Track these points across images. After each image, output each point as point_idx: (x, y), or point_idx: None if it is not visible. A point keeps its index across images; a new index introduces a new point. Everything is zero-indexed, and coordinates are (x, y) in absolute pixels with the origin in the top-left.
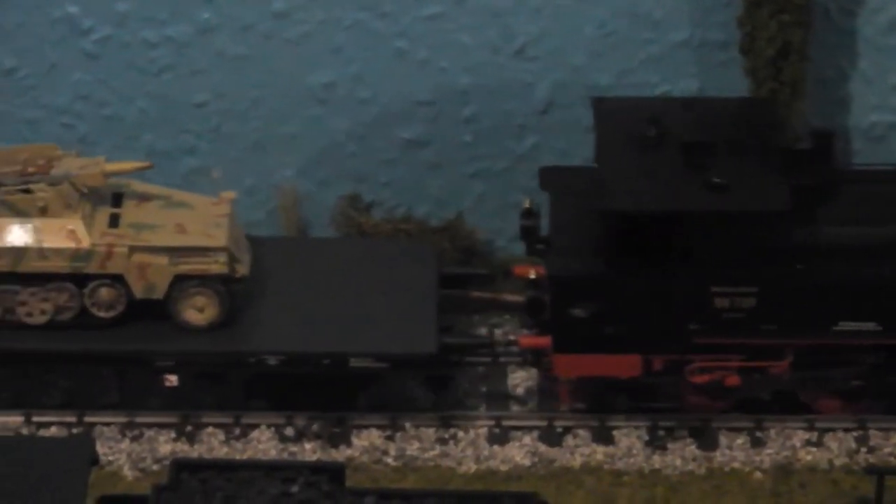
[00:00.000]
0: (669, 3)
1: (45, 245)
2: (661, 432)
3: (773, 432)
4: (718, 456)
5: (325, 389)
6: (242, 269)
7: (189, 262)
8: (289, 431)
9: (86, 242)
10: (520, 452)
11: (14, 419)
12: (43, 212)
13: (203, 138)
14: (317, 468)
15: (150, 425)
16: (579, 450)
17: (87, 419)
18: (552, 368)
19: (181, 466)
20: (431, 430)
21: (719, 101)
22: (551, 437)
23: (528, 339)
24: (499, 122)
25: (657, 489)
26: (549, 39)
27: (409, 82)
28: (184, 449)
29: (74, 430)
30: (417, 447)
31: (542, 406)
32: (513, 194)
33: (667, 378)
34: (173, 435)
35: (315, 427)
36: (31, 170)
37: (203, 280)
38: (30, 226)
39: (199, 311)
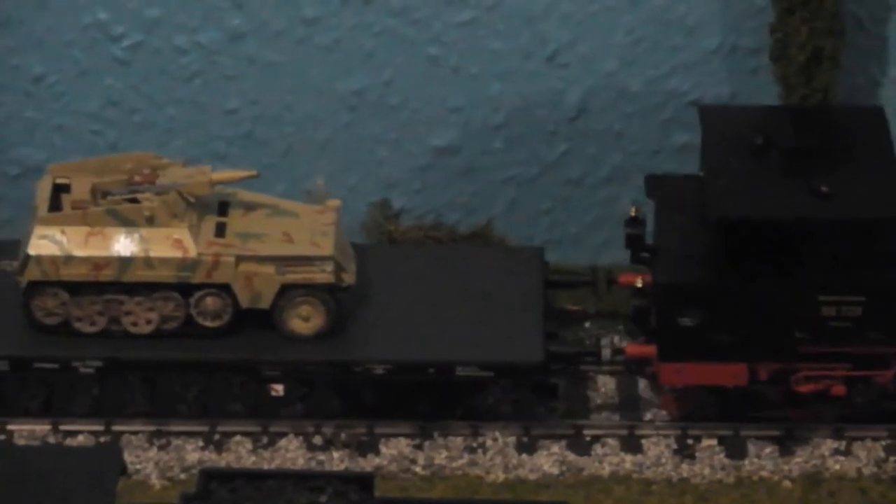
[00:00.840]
0: (701, 10)
1: (152, 254)
2: (690, 441)
3: (802, 441)
4: (747, 464)
5: (426, 398)
6: (348, 278)
7: (296, 271)
8: (317, 440)
9: (192, 252)
10: (548, 461)
11: (41, 427)
12: (150, 221)
13: (234, 145)
14: (346, 478)
15: (177, 434)
16: (608, 458)
17: (115, 427)
18: (657, 377)
19: (210, 476)
20: (460, 439)
21: (827, 109)
22: (580, 446)
23: (634, 347)
24: (529, 129)
25: (686, 498)
26: (581, 46)
27: (440, 89)
28: (211, 457)
29: (102, 439)
30: (446, 456)
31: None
32: (543, 201)
33: (770, 387)
34: (201, 443)
35: (343, 436)
36: (136, 179)
37: (309, 289)
38: (136, 235)
39: (304, 320)
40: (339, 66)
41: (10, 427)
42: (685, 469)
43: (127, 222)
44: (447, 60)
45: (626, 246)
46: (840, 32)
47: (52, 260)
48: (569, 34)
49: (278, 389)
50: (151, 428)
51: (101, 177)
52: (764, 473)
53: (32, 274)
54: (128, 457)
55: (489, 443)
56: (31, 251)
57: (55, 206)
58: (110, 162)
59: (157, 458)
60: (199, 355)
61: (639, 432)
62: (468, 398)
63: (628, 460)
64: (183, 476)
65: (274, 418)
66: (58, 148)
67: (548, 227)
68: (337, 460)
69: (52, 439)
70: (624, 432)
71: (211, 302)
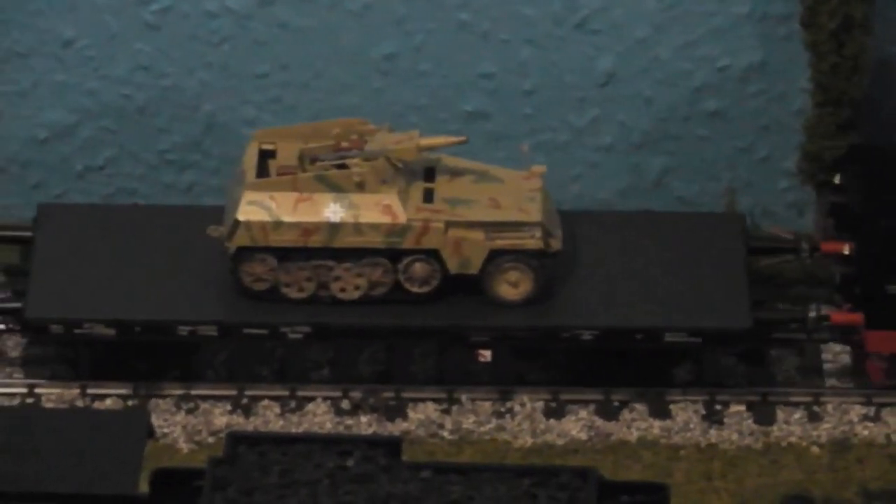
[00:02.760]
0: None
1: (361, 220)
2: (718, 406)
3: (830, 407)
4: (775, 430)
5: (637, 365)
6: (556, 244)
7: (504, 237)
8: (345, 404)
9: (402, 218)
10: (576, 426)
11: (70, 391)
12: (359, 187)
13: (264, 110)
14: (373, 442)
15: (205, 398)
16: (636, 424)
17: (142, 391)
18: (864, 345)
19: (237, 439)
20: (488, 404)
21: None
22: (608, 411)
23: (839, 315)
24: (559, 95)
25: (714, 463)
26: (612, 12)
27: (470, 54)
28: (239, 422)
29: (129, 403)
30: (473, 420)
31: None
32: (573, 167)
33: None
34: (229, 407)
35: (371, 400)
36: (344, 145)
37: (518, 255)
38: (346, 201)
39: (513, 286)
40: (369, 31)
41: (37, 390)
42: (713, 435)
43: (336, 188)
44: (478, 26)
45: (830, 214)
46: None
47: (262, 226)
48: (600, 0)
49: (486, 355)
50: (179, 392)
51: (307, 142)
52: (792, 439)
53: (241, 240)
54: (155, 420)
55: (517, 408)
56: (241, 217)
57: (262, 171)
58: (317, 127)
59: (184, 421)
60: (408, 321)
61: (667, 398)
62: (671, 365)
63: (656, 426)
64: (211, 440)
65: (302, 382)
66: (87, 112)
67: (578, 194)
68: (365, 425)
69: (80, 403)
70: (652, 397)
71: (419, 268)
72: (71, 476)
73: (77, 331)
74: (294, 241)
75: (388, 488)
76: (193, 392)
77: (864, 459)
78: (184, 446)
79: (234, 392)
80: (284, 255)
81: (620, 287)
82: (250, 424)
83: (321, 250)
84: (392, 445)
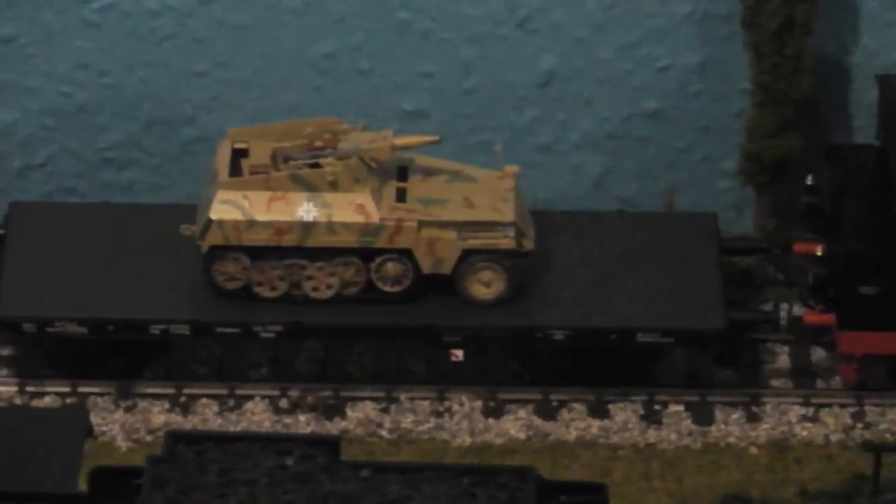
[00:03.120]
0: None
1: (335, 219)
2: (657, 406)
3: (769, 407)
4: (714, 430)
5: (603, 365)
6: (529, 244)
7: (477, 236)
8: (283, 403)
9: (375, 217)
10: (515, 426)
11: (7, 389)
12: (332, 186)
13: (203, 108)
14: (313, 441)
15: (143, 396)
16: (574, 423)
17: (81, 389)
18: (836, 345)
19: (176, 438)
20: (426, 403)
21: None
22: (546, 411)
23: (812, 315)
24: (500, 94)
25: (653, 463)
26: (552, 12)
27: (410, 53)
28: (177, 420)
29: (68, 401)
30: (412, 420)
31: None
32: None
33: None
34: (167, 406)
35: (309, 399)
36: (318, 144)
37: (491, 255)
38: (319, 200)
39: (485, 285)
40: (309, 29)
41: None
42: (652, 435)
43: (310, 187)
44: (418, 25)
45: (804, 214)
46: None
47: (235, 225)
48: (540, 0)
49: (458, 355)
50: (117, 389)
51: (280, 141)
52: (731, 440)
53: (214, 238)
54: (94, 419)
55: (455, 407)
56: (214, 216)
57: (235, 170)
58: (290, 127)
59: (123, 420)
60: (380, 320)
61: (606, 398)
62: (644, 365)
63: (595, 426)
64: (149, 438)
65: (240, 381)
66: (27, 110)
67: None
68: (303, 423)
69: (18, 400)
70: (591, 397)
71: (392, 267)
72: (9, 474)
73: (49, 329)
74: (267, 240)
75: (328, 487)
76: (132, 390)
77: (802, 460)
78: (122, 444)
79: (172, 390)
80: (257, 254)
81: (593, 287)
82: (189, 423)
83: (294, 249)
84: (331, 445)
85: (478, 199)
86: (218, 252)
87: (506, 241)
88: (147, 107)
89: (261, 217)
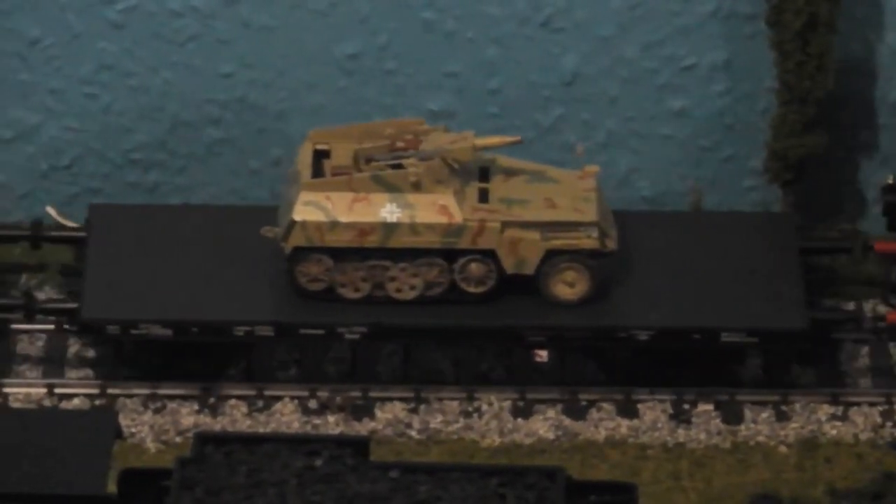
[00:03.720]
0: None
1: (418, 220)
2: (686, 406)
3: (798, 406)
4: (743, 430)
5: (692, 365)
6: (611, 244)
7: (560, 237)
8: (312, 404)
9: (458, 218)
10: (544, 426)
11: (37, 391)
12: (415, 187)
13: (228, 108)
14: (341, 442)
15: (172, 397)
16: (603, 423)
17: (110, 391)
18: None
19: (205, 439)
20: (455, 403)
21: None
22: (575, 411)
23: (895, 314)
24: (524, 94)
25: (681, 463)
26: (577, 11)
27: (435, 53)
28: (206, 421)
29: (97, 403)
30: (441, 420)
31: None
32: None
33: None
34: (196, 407)
35: (338, 400)
36: (399, 145)
37: (573, 255)
38: (402, 201)
39: (569, 286)
40: (333, 30)
41: (5, 390)
42: (681, 434)
43: (392, 188)
44: (442, 25)
45: (884, 213)
46: None
47: (318, 226)
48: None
49: (542, 355)
50: (146, 391)
51: (361, 142)
52: (760, 439)
53: (297, 240)
54: (123, 420)
55: (484, 407)
56: (297, 217)
57: (317, 172)
58: (372, 128)
59: (152, 421)
60: (464, 321)
61: (635, 397)
62: (727, 365)
63: (624, 425)
64: (178, 440)
65: (269, 382)
66: (51, 111)
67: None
68: (332, 424)
69: (47, 402)
70: (620, 397)
71: (475, 268)
72: (39, 476)
73: (133, 331)
74: (350, 241)
75: (356, 488)
76: (160, 392)
77: (831, 459)
78: (151, 446)
79: (201, 392)
80: (340, 255)
81: (676, 287)
82: (217, 424)
83: (377, 250)
84: (360, 445)
85: (559, 200)
86: (301, 253)
87: (589, 241)
88: (172, 108)
89: (344, 218)
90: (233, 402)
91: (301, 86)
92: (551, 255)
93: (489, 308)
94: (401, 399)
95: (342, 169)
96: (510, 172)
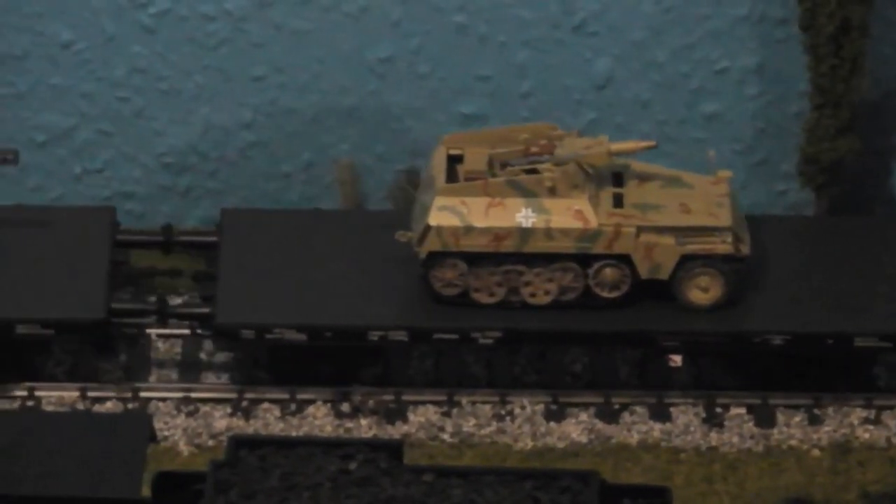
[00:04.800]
0: None
1: (553, 225)
2: (719, 409)
3: (831, 410)
4: (776, 433)
5: (818, 369)
6: (745, 249)
7: (695, 241)
8: (345, 407)
9: (593, 223)
10: (576, 429)
11: (70, 394)
12: (551, 192)
13: (261, 112)
14: (375, 445)
15: (205, 401)
16: (636, 427)
17: (143, 394)
18: None
19: (239, 443)
20: (488, 407)
21: None
22: (608, 414)
23: None
24: (556, 98)
25: (714, 466)
26: (609, 15)
27: (467, 57)
28: (239, 424)
29: (130, 406)
30: (474, 423)
31: None
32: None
33: None
34: (229, 410)
35: (371, 403)
36: (534, 150)
37: (708, 260)
38: (537, 206)
39: (703, 290)
40: (366, 34)
41: (38, 393)
42: (714, 437)
43: (528, 193)
44: (475, 29)
45: None
46: (869, 1)
47: (453, 231)
48: (597, 3)
49: (677, 360)
50: (179, 395)
51: (495, 147)
52: (793, 442)
53: (432, 245)
54: (156, 423)
55: (517, 410)
56: (432, 222)
57: (450, 176)
58: (506, 132)
59: (185, 424)
60: (599, 326)
61: (667, 400)
62: (859, 370)
63: (657, 429)
64: (211, 443)
65: (301, 385)
66: (84, 115)
67: None
68: (365, 427)
69: (80, 405)
70: (653, 400)
71: (610, 273)
72: (73, 480)
73: (267, 336)
74: (485, 246)
75: (390, 492)
76: (193, 395)
77: (864, 462)
78: (184, 449)
79: (234, 395)
80: (474, 259)
81: (808, 291)
82: (250, 427)
83: (511, 255)
84: (393, 449)
85: (693, 205)
86: (436, 258)
87: (723, 246)
88: (204, 112)
89: (479, 223)
90: (265, 405)
91: (333, 89)
92: (685, 260)
93: (623, 313)
94: (433, 402)
95: (475, 174)
96: (644, 177)
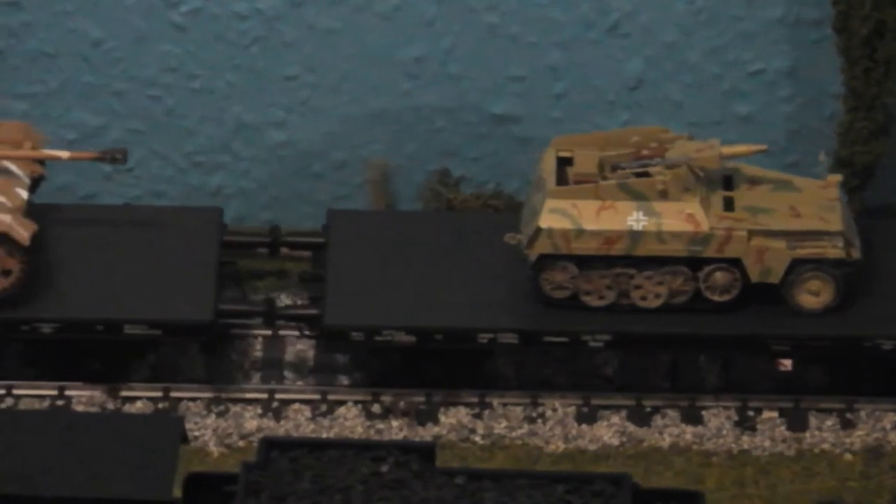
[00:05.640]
0: None
1: (664, 229)
2: (751, 412)
3: (863, 414)
4: (808, 437)
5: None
6: (856, 253)
7: (806, 245)
8: (376, 408)
9: (704, 226)
10: (608, 432)
11: (99, 394)
12: (662, 195)
13: (292, 112)
14: (407, 448)
15: (235, 401)
16: (668, 430)
17: (173, 394)
18: None
19: (271, 444)
20: (519, 409)
21: None
22: (640, 417)
23: None
24: (589, 99)
25: (746, 470)
26: (641, 16)
27: (499, 57)
28: (270, 425)
29: (160, 406)
30: (505, 425)
31: None
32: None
33: None
34: (259, 411)
35: (402, 404)
36: (644, 153)
37: (818, 264)
38: (648, 209)
39: (814, 295)
40: (398, 34)
41: (67, 392)
42: (745, 441)
43: (639, 196)
44: (507, 29)
45: None
46: None
47: (564, 233)
48: (630, 4)
49: (787, 364)
50: (210, 395)
51: (604, 150)
52: (825, 446)
53: (543, 247)
54: (186, 423)
55: (548, 413)
56: (543, 224)
57: (560, 179)
58: (616, 135)
59: (215, 425)
60: (709, 330)
61: (699, 404)
62: None
63: (689, 432)
64: (241, 443)
65: (332, 386)
66: (115, 113)
67: None
68: (396, 429)
69: (110, 405)
70: (685, 403)
71: (720, 276)
72: (105, 481)
73: (377, 338)
74: (596, 248)
75: (422, 495)
76: (224, 395)
77: None
78: (214, 450)
79: (264, 395)
80: (585, 262)
81: None
82: (281, 428)
83: (622, 258)
84: (426, 451)
85: (804, 209)
86: (546, 261)
87: (834, 251)
88: (235, 110)
89: (590, 226)
90: (296, 406)
91: (365, 89)
92: (796, 264)
93: (734, 317)
94: (465, 404)
95: (585, 176)
96: (754, 181)
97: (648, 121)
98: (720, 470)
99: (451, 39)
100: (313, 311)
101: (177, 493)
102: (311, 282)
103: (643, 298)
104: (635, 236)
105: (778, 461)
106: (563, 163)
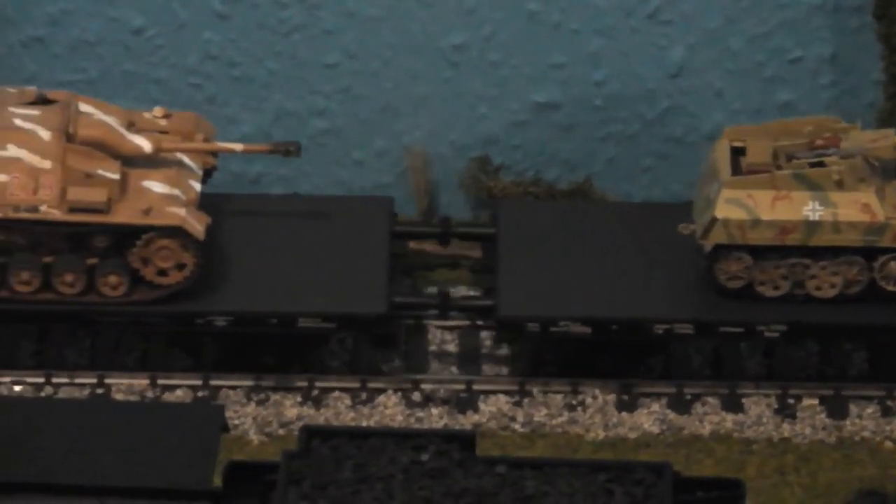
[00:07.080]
0: None
1: (840, 219)
2: (791, 400)
3: None
4: (849, 425)
5: None
6: None
7: None
8: (416, 396)
9: (880, 216)
10: (648, 420)
11: (139, 382)
12: (838, 185)
13: (333, 99)
14: (448, 436)
15: (275, 389)
16: (708, 417)
17: (213, 382)
18: None
19: (311, 433)
20: (559, 397)
21: None
22: (680, 405)
23: None
24: (630, 86)
25: (787, 457)
26: (683, 3)
27: (540, 45)
28: (310, 413)
29: (200, 394)
30: (545, 413)
31: None
32: (643, 158)
33: None
34: (299, 399)
35: (442, 392)
36: (819, 142)
37: None
38: (824, 199)
39: None
40: (439, 21)
41: (107, 381)
42: (786, 429)
43: (815, 186)
44: (548, 16)
45: None
46: None
47: (739, 224)
48: None
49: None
50: (249, 383)
51: (777, 140)
52: (866, 434)
53: (718, 237)
54: (226, 412)
55: (589, 400)
56: (719, 214)
57: (734, 169)
58: (789, 125)
59: (255, 413)
60: (885, 320)
61: (740, 391)
62: None
63: (729, 419)
64: (281, 432)
65: (372, 374)
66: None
67: (647, 185)
68: (436, 417)
69: (149, 394)
70: (725, 391)
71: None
72: (145, 470)
73: (552, 329)
74: (771, 239)
75: (463, 483)
76: (263, 384)
77: None
78: (254, 438)
79: (304, 383)
80: (760, 252)
81: None
82: (321, 416)
83: (797, 248)
84: (466, 440)
85: None
86: (721, 251)
87: None
88: (276, 98)
89: (766, 216)
90: (336, 394)
91: (406, 77)
92: None
93: None
94: (504, 392)
95: (758, 166)
96: None
97: (690, 109)
98: (760, 458)
99: (492, 27)
100: (487, 302)
101: (217, 481)
102: (482, 273)
103: (818, 289)
104: (811, 226)
105: (818, 449)
106: (737, 152)
